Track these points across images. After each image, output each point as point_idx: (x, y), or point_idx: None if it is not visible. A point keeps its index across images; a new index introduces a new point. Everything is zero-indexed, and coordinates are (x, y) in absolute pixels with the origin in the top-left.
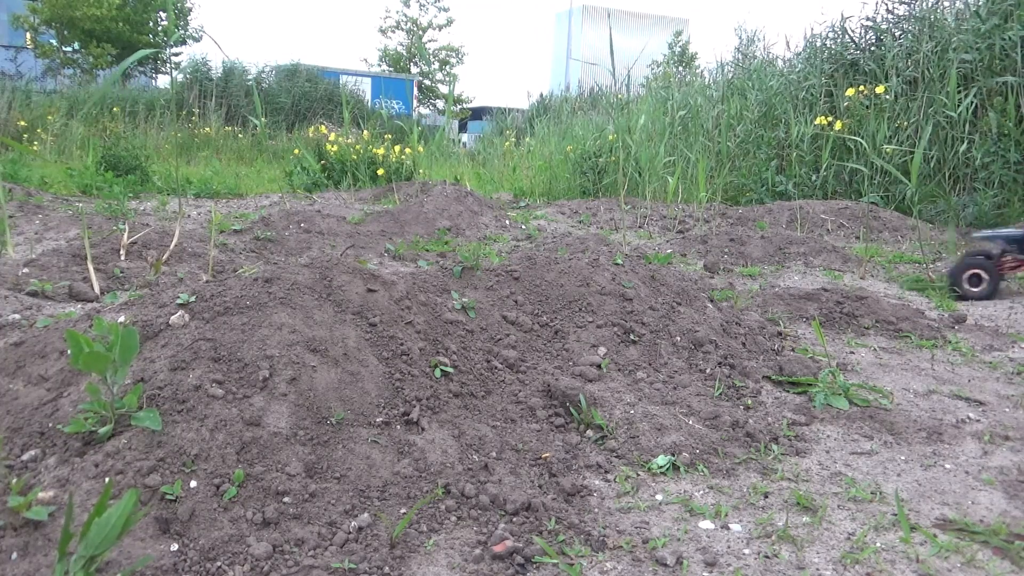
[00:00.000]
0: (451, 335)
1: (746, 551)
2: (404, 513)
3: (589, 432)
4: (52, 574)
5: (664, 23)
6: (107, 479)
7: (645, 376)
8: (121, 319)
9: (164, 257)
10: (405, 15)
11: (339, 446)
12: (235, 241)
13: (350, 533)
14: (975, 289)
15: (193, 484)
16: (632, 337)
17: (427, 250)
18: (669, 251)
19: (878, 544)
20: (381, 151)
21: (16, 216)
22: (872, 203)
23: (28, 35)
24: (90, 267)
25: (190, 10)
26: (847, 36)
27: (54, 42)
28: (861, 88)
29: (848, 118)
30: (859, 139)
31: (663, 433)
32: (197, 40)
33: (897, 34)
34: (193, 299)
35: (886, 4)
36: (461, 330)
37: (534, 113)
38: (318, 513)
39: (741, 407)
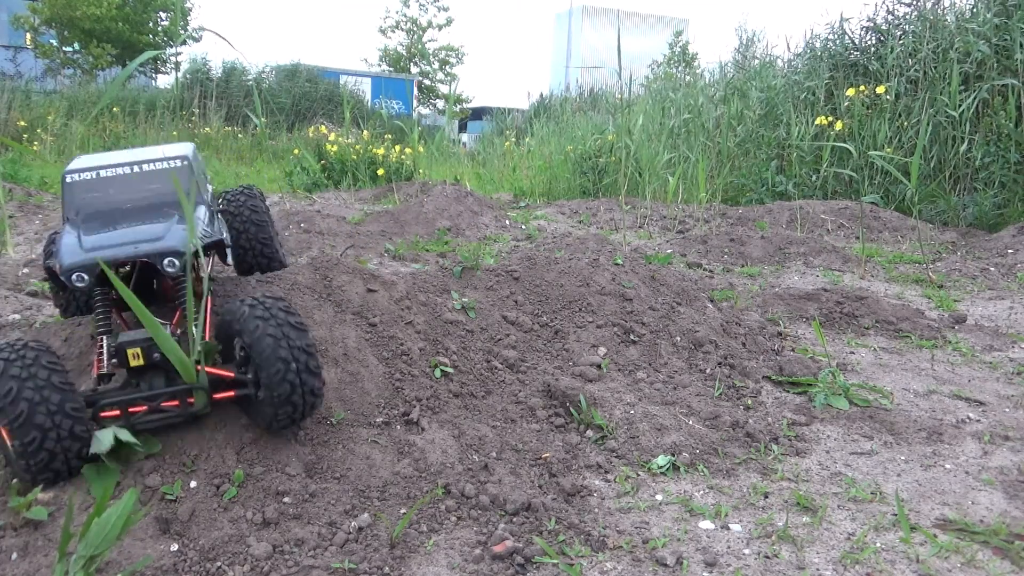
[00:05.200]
0: (451, 335)
1: (746, 551)
2: (404, 513)
3: (589, 432)
4: (52, 574)
5: (664, 23)
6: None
7: (645, 376)
8: None
9: None
10: (405, 15)
11: (339, 446)
12: None
13: (350, 533)
14: None
15: (193, 484)
16: (632, 337)
17: (427, 250)
18: (669, 251)
19: (878, 544)
20: (381, 151)
21: (16, 216)
22: (872, 203)
23: (28, 35)
24: None
25: (189, 10)
26: (847, 37)
27: (54, 42)
28: (862, 88)
29: (849, 118)
30: (848, 147)
31: (663, 433)
32: (197, 40)
33: (898, 35)
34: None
35: (887, 5)
36: (461, 330)
37: (534, 113)
38: (318, 513)
39: (741, 407)
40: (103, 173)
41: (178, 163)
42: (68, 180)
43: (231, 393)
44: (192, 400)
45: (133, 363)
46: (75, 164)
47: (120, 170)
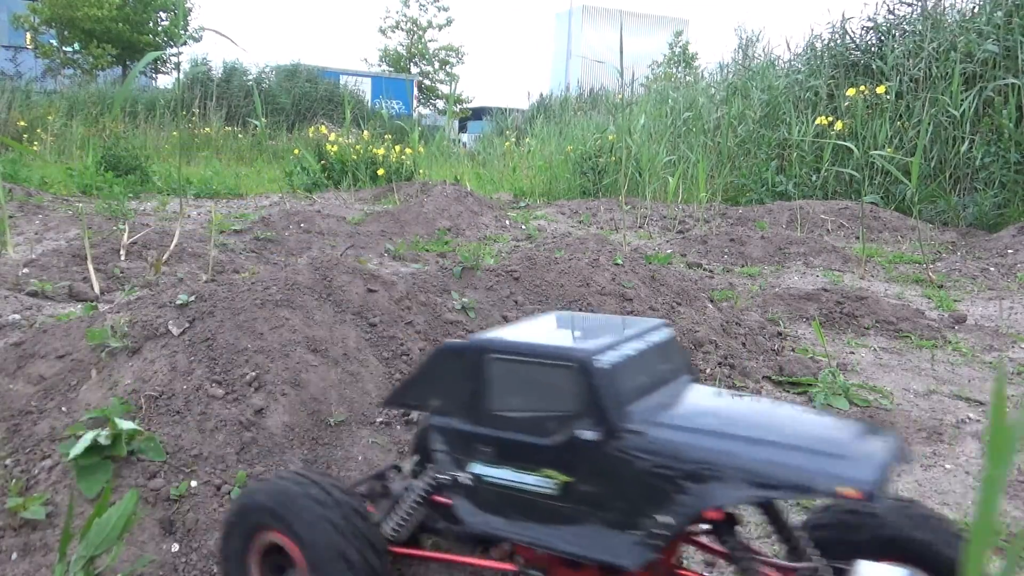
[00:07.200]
0: (451, 335)
1: None
2: None
3: None
4: (52, 574)
5: (664, 23)
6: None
7: None
8: (122, 320)
9: (164, 257)
10: (405, 15)
11: (339, 446)
12: (235, 241)
13: None
14: None
15: (194, 484)
16: None
17: (427, 250)
18: (669, 251)
19: None
20: (381, 151)
21: (16, 216)
22: (872, 203)
23: (28, 35)
24: (90, 267)
25: (190, 10)
26: (848, 36)
27: (54, 42)
28: (862, 88)
29: (849, 118)
30: (851, 146)
31: None
32: (197, 40)
33: (898, 35)
34: (193, 299)
35: (887, 4)
36: (461, 330)
37: (534, 113)
38: None
39: None
40: (624, 349)
41: (668, 331)
42: (599, 366)
43: None
44: None
45: None
46: (559, 341)
47: (633, 345)
